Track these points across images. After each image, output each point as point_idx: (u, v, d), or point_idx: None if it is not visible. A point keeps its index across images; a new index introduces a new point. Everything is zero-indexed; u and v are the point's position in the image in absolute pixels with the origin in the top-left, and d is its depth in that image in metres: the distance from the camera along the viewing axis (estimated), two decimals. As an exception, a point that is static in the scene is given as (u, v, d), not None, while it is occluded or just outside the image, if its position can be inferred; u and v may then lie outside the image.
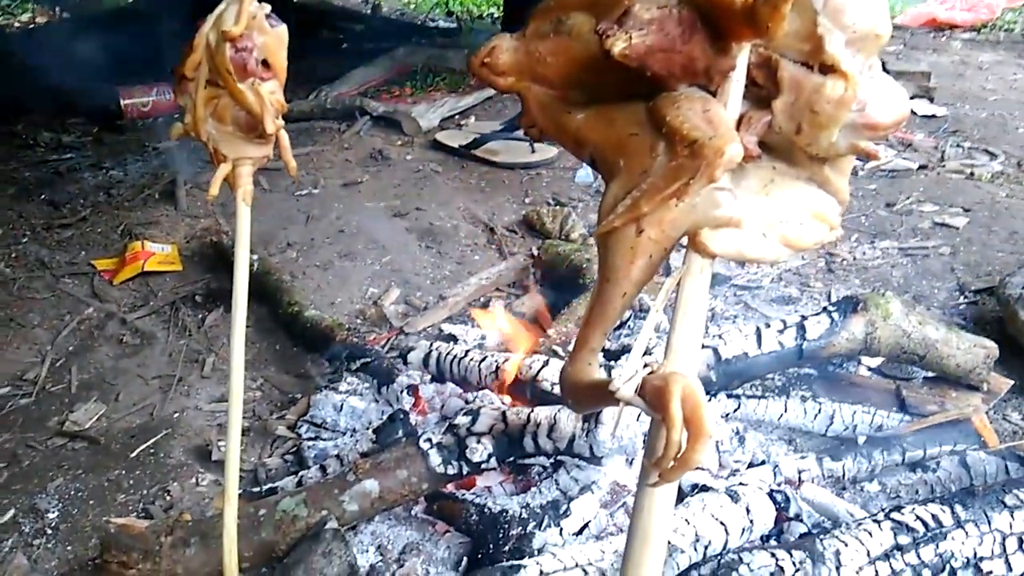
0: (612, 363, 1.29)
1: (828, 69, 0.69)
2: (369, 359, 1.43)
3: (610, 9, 0.76)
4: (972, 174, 2.13)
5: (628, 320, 1.52)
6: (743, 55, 0.72)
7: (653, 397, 0.69)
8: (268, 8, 0.78)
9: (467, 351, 1.37)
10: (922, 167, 2.20)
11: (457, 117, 2.68)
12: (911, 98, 2.69)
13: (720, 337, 1.22)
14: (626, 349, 1.37)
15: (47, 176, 2.21)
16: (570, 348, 0.96)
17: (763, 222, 0.74)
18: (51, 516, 1.20)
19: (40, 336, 1.59)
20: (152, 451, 1.31)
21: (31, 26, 4.15)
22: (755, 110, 0.73)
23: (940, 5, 4.21)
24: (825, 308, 1.23)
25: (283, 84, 0.80)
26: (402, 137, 2.51)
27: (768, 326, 1.23)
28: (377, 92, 2.86)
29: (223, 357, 1.54)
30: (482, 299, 1.71)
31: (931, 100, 2.70)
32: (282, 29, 0.78)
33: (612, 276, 0.76)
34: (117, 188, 2.12)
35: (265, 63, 0.77)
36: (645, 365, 0.75)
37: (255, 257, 1.70)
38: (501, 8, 4.18)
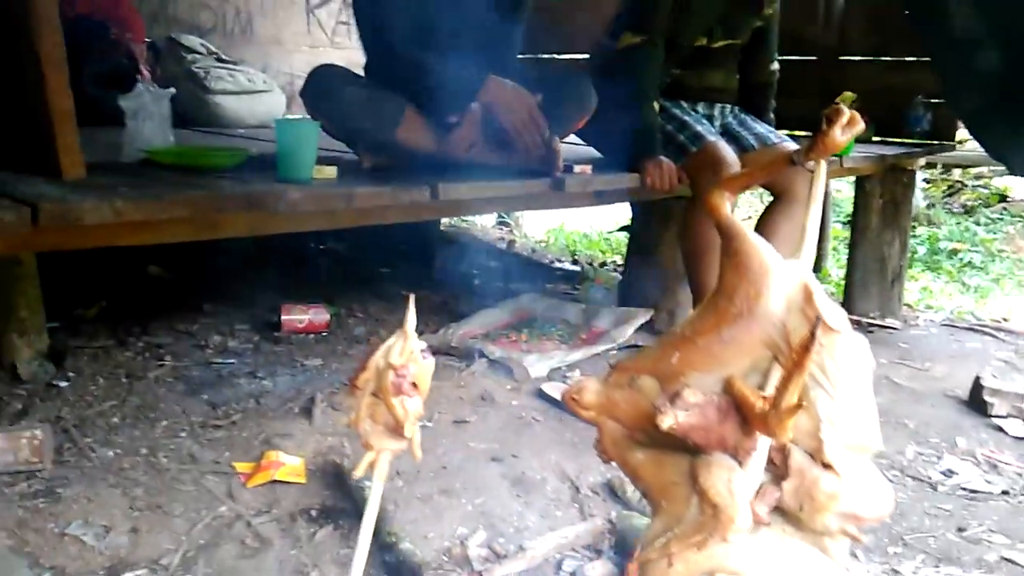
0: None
1: (826, 466, 0.90)
2: (447, 601, 1.61)
3: (669, 382, 1.02)
4: (1054, 507, 2.17)
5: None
6: (765, 440, 0.94)
7: None
8: (424, 345, 1.08)
9: (532, 612, 1.53)
10: (1004, 492, 2.26)
11: (564, 369, 2.96)
12: (1004, 417, 2.77)
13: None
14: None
15: (211, 377, 2.60)
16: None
17: (769, 573, 0.93)
18: None
19: (179, 526, 1.87)
20: (251, 653, 1.51)
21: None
22: (771, 485, 0.94)
23: (1056, 318, 4.27)
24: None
25: (425, 400, 1.08)
26: (512, 382, 2.79)
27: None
28: (497, 335, 3.20)
29: (324, 573, 1.76)
30: (557, 556, 1.88)
31: (1025, 421, 2.77)
32: (431, 362, 1.08)
33: (646, 596, 0.96)
34: (265, 398, 2.48)
35: (414, 384, 1.06)
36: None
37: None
38: (624, 258, 4.57)
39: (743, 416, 0.93)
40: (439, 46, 2.51)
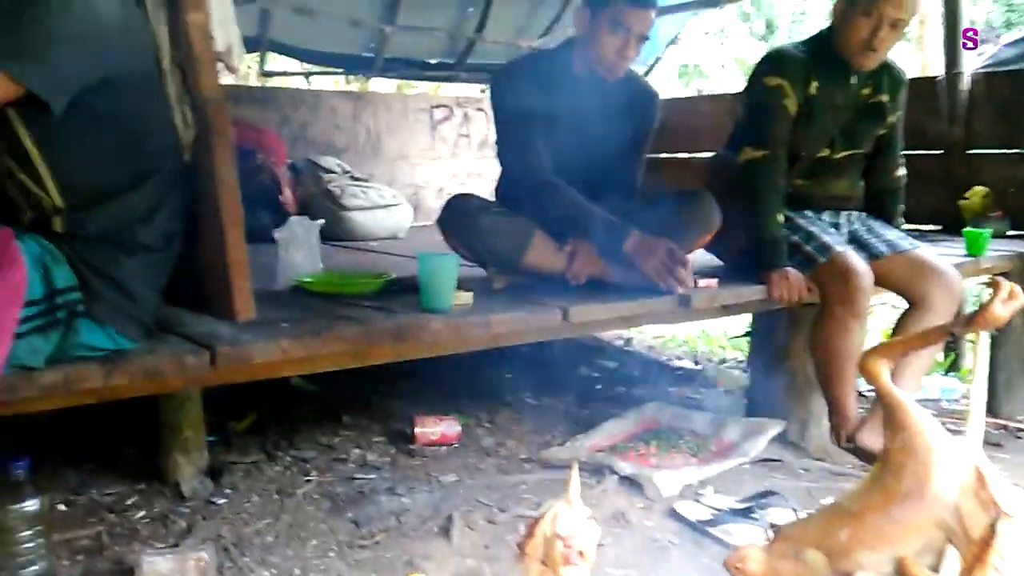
0: None
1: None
2: None
3: (838, 559, 1.03)
4: None
5: None
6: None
7: None
8: (589, 512, 1.13)
9: None
10: None
11: (696, 486, 2.92)
12: None
13: None
14: None
15: (354, 494, 2.71)
16: None
17: None
18: None
19: (333, 651, 1.95)
20: None
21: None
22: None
23: None
24: None
25: (592, 568, 1.13)
26: (644, 500, 2.78)
27: None
28: (625, 448, 3.19)
29: None
30: None
31: None
32: (597, 530, 1.13)
33: None
34: (405, 515, 2.56)
35: (581, 553, 1.11)
36: None
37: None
38: (747, 358, 4.50)
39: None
40: (576, 177, 2.69)
